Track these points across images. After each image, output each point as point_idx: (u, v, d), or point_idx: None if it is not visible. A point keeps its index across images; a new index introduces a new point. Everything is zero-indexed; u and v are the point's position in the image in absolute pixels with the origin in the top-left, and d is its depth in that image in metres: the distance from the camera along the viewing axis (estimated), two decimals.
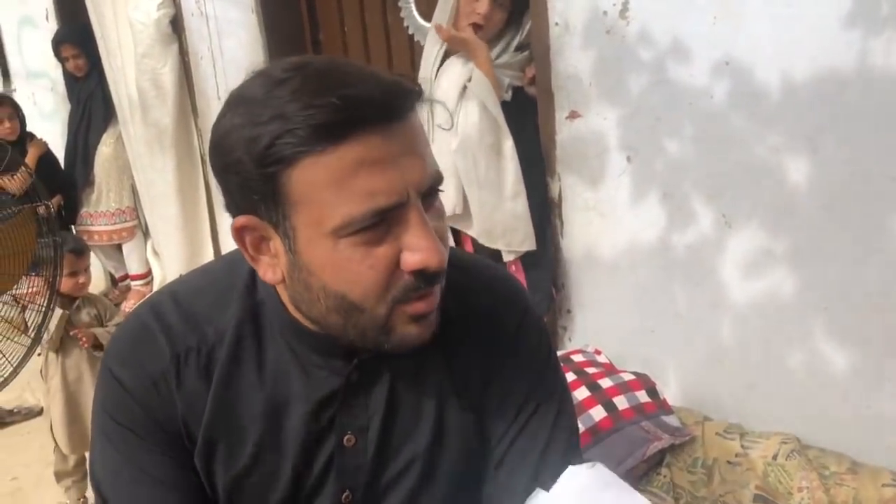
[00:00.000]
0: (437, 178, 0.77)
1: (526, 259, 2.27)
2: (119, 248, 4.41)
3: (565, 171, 2.26)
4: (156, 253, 4.33)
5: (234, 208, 0.78)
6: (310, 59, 0.75)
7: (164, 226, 4.09)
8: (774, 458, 1.78)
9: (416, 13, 2.67)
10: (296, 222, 0.74)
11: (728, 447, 1.84)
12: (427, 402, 0.91)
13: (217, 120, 0.76)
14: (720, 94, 1.84)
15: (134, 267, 4.42)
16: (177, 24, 3.70)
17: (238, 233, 0.78)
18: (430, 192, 0.77)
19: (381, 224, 0.73)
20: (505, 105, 2.18)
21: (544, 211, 2.28)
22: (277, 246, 0.77)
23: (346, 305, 0.77)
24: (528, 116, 2.28)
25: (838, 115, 1.67)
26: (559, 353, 2.16)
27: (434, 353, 0.88)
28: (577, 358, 2.06)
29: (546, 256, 2.31)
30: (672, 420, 1.90)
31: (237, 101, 0.74)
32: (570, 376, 1.94)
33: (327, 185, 0.71)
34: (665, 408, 1.93)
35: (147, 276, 4.42)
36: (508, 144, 2.16)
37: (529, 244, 2.22)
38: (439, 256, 0.75)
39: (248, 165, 0.72)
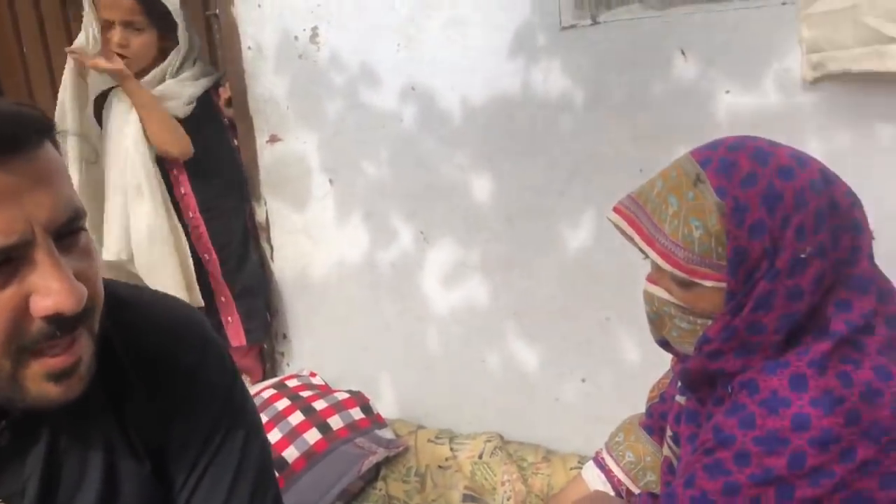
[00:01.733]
0: (76, 215, 0.71)
1: (237, 288, 2.21)
2: None
3: (271, 195, 2.24)
4: None
5: None
6: None
7: None
8: (480, 456, 1.89)
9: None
10: None
11: (439, 452, 1.92)
12: (94, 455, 0.84)
13: None
14: (409, 117, 1.93)
15: None
16: None
17: None
18: (67, 230, 0.71)
19: (3, 266, 0.67)
20: (190, 119, 2.08)
21: (247, 235, 2.24)
22: None
23: None
24: (220, 130, 2.22)
25: (510, 136, 1.82)
26: (275, 379, 2.13)
27: (100, 400, 0.82)
28: (292, 383, 2.05)
29: (258, 283, 2.28)
30: (386, 433, 1.95)
31: None
32: (285, 402, 1.93)
33: None
34: (379, 421, 1.98)
35: None
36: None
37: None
38: (74, 299, 0.68)
39: None
